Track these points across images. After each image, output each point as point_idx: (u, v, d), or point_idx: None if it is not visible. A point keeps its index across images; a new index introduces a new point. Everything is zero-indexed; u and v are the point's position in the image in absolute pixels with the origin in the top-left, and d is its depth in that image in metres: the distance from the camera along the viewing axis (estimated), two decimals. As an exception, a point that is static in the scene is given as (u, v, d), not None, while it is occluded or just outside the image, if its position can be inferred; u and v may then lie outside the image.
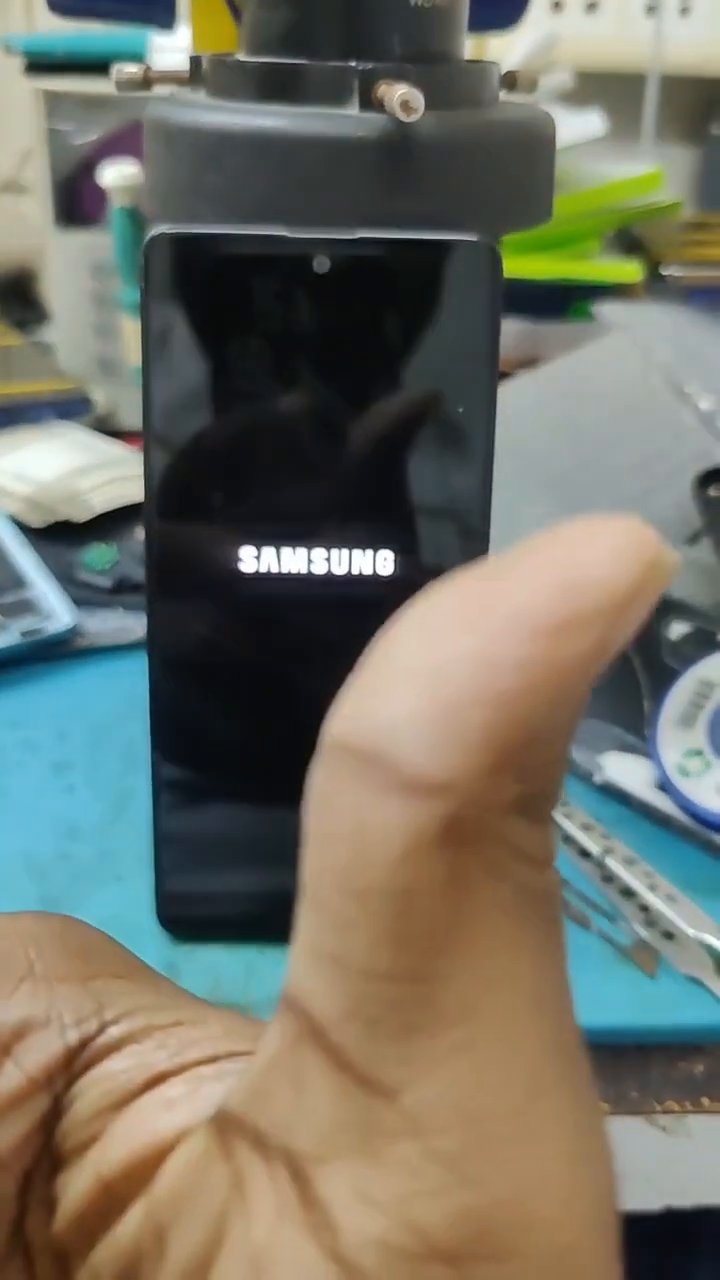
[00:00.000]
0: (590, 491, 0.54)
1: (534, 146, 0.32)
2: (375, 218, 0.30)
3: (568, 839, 0.40)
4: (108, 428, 0.70)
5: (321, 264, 0.30)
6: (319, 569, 0.32)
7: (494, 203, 0.31)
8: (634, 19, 1.00)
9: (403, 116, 0.28)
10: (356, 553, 0.32)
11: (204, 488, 0.31)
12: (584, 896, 0.37)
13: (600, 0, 1.02)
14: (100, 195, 0.69)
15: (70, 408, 0.66)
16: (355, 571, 0.32)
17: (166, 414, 0.31)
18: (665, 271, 0.72)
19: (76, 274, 0.71)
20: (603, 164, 0.76)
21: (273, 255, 0.30)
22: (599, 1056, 0.34)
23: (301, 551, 0.32)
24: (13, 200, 1.05)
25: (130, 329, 0.65)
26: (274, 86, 0.31)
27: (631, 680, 0.45)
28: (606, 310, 0.66)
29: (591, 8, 1.02)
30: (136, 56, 0.66)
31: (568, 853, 0.39)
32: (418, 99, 0.28)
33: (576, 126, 0.68)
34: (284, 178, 0.30)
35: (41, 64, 0.74)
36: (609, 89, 0.79)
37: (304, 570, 0.32)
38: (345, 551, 0.32)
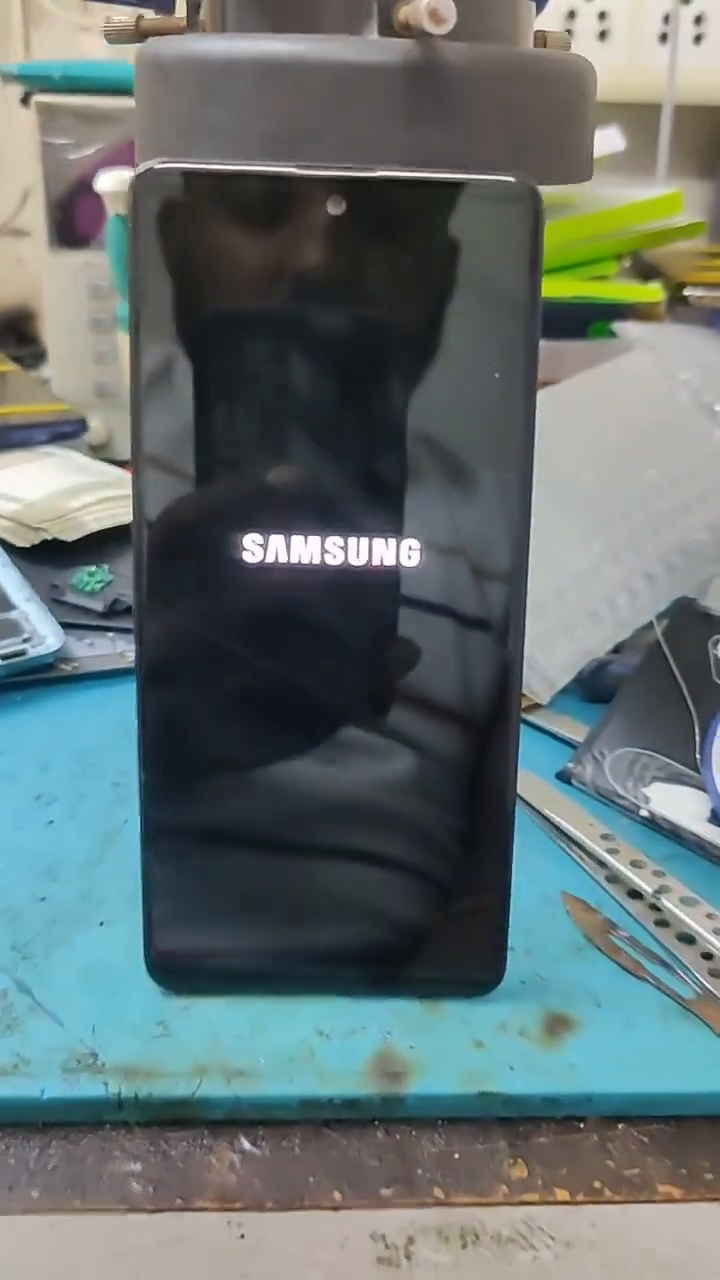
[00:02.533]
0: (621, 511, 0.50)
1: (574, 89, 0.29)
2: (397, 155, 0.27)
3: (614, 878, 0.35)
4: (104, 456, 0.67)
5: (336, 205, 0.26)
6: (334, 559, 0.28)
7: (530, 146, 0.28)
8: (647, 47, 0.98)
9: (431, 27, 0.24)
10: (377, 541, 0.28)
11: (201, 462, 0.27)
12: (636, 942, 0.33)
13: (612, 28, 1.01)
14: (98, 215, 0.66)
15: (64, 430, 0.63)
16: (376, 563, 0.28)
17: (159, 374, 0.27)
18: (688, 293, 0.69)
19: (73, 297, 0.68)
20: (620, 190, 0.73)
21: (281, 194, 0.26)
22: (662, 1130, 0.29)
23: (314, 540, 0.28)
24: (12, 243, 1.03)
25: (127, 346, 0.61)
26: (282, 13, 0.28)
27: (678, 703, 0.40)
28: (628, 329, 0.62)
29: (603, 36, 1.00)
30: (131, 84, 0.64)
31: (615, 894, 0.34)
32: (449, 8, 0.24)
33: (596, 142, 0.65)
34: (294, 109, 0.26)
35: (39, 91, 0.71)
36: (622, 119, 0.77)
37: (316, 561, 0.28)
38: (364, 539, 0.28)
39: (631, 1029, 0.30)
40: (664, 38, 0.98)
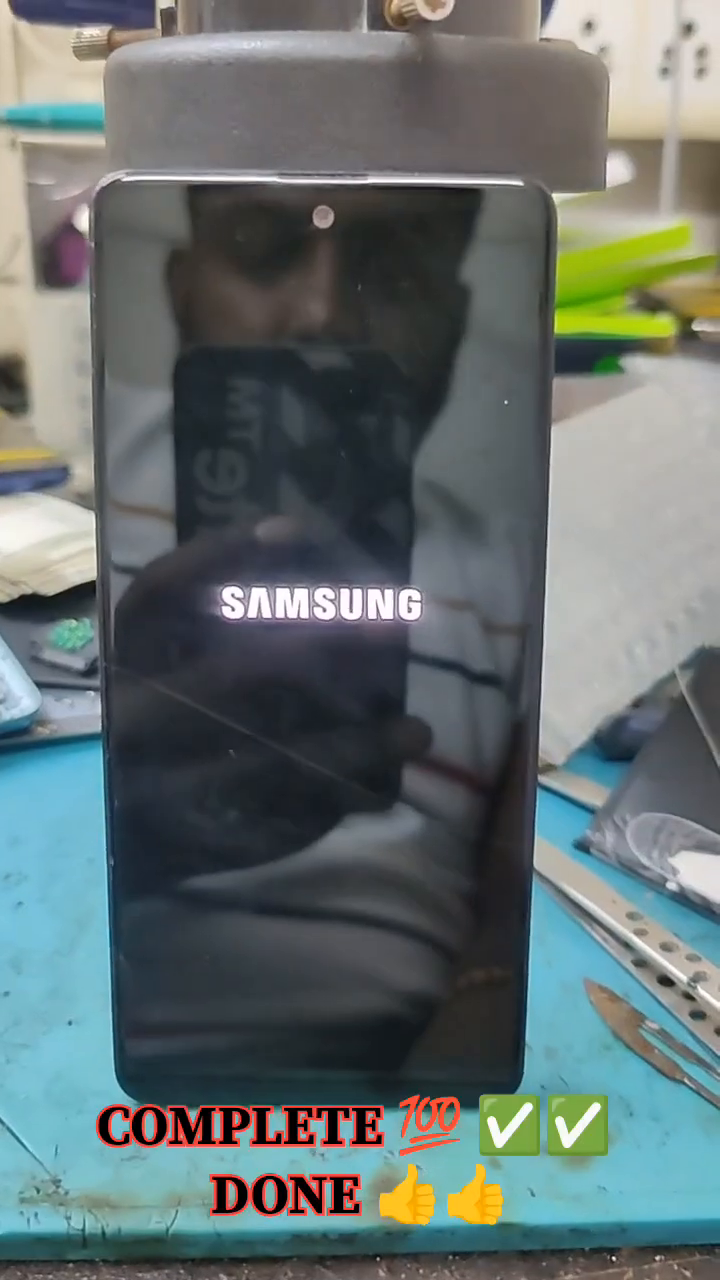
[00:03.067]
0: (639, 553, 0.47)
1: (586, 88, 0.26)
2: (390, 160, 0.24)
3: (642, 963, 0.31)
4: (90, 504, 0.64)
5: (324, 216, 0.23)
6: (324, 614, 0.25)
7: (538, 150, 0.25)
8: (649, 81, 0.97)
9: (428, 14, 0.22)
10: (373, 592, 0.25)
11: (173, 504, 0.24)
12: (669, 1037, 0.29)
13: (613, 62, 1.00)
14: (82, 256, 0.64)
15: (47, 477, 0.60)
16: (371, 616, 0.25)
17: (124, 401, 0.24)
18: (697, 327, 0.66)
19: (59, 339, 0.66)
20: (626, 224, 0.71)
21: (261, 206, 0.23)
22: (707, 1261, 0.25)
23: (301, 592, 0.25)
24: (2, 291, 1.01)
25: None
26: (263, 11, 0.25)
27: (705, 763, 0.37)
28: (638, 364, 0.60)
29: (592, 54, 0.99)
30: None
31: (644, 980, 0.31)
32: (446, -8, 0.22)
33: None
34: (276, 114, 0.24)
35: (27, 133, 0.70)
36: (625, 154, 0.75)
37: (305, 616, 0.25)
38: (358, 591, 0.25)
39: (668, 1142, 0.26)
40: (666, 71, 0.97)
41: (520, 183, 0.23)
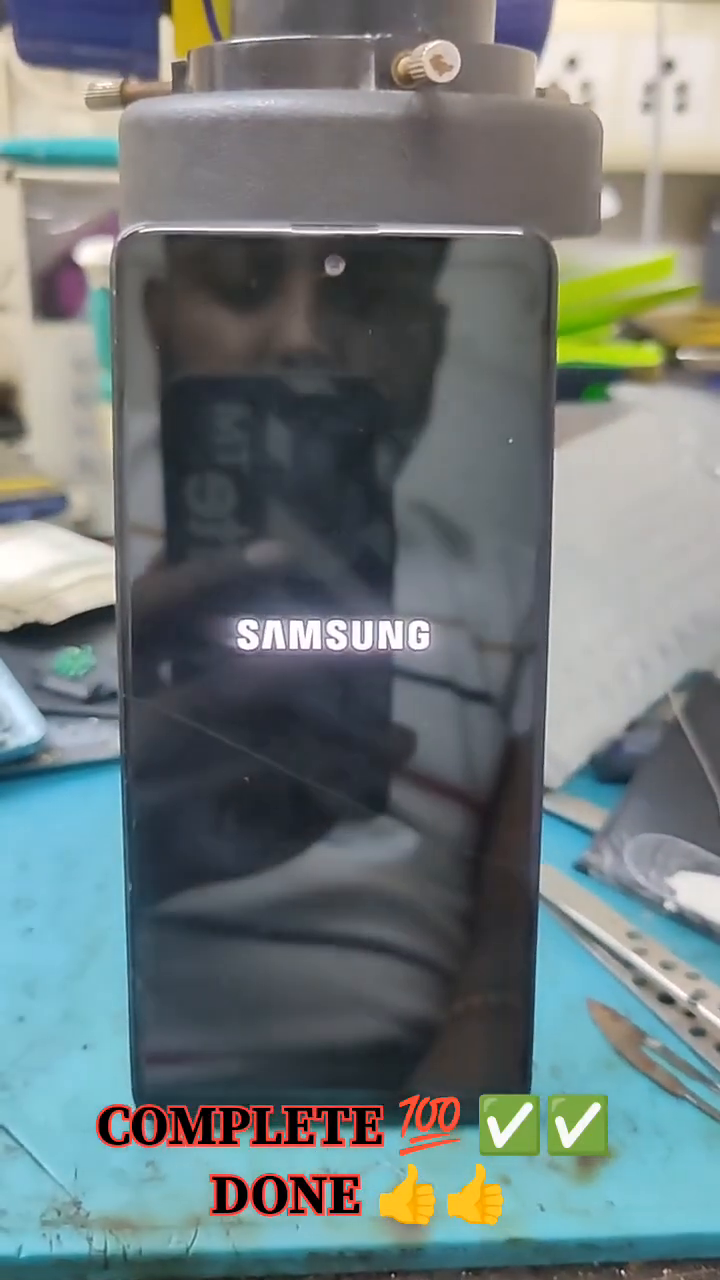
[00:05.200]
0: (629, 580, 0.48)
1: (582, 141, 0.27)
2: (398, 212, 0.25)
3: (642, 981, 0.32)
4: (87, 532, 0.65)
5: (335, 264, 0.24)
6: (336, 644, 0.26)
7: (537, 200, 0.26)
8: (630, 115, 0.99)
9: (435, 75, 0.23)
10: (383, 623, 0.26)
11: (191, 541, 0.25)
12: (671, 1054, 0.30)
13: (595, 97, 1.02)
14: (80, 288, 0.65)
15: (45, 506, 0.61)
16: (382, 646, 0.26)
17: (146, 445, 0.25)
18: (682, 356, 0.68)
19: (56, 370, 0.67)
20: (610, 255, 0.73)
21: (275, 255, 0.24)
22: (714, 1275, 0.25)
23: (314, 624, 0.26)
24: (-4, 317, 1.02)
25: (109, 419, 0.60)
26: (274, 69, 0.26)
27: (700, 784, 0.38)
28: (625, 393, 0.61)
29: (586, 106, 1.01)
30: (115, 159, 0.63)
31: (645, 999, 0.32)
32: (453, 54, 0.23)
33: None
34: (288, 168, 0.25)
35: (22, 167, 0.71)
36: (607, 187, 0.77)
37: (317, 646, 0.26)
38: (370, 623, 0.26)
39: (673, 1157, 0.27)
40: (648, 106, 0.98)
41: (521, 232, 0.24)
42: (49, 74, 0.93)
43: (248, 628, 0.25)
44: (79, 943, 0.34)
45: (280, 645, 0.25)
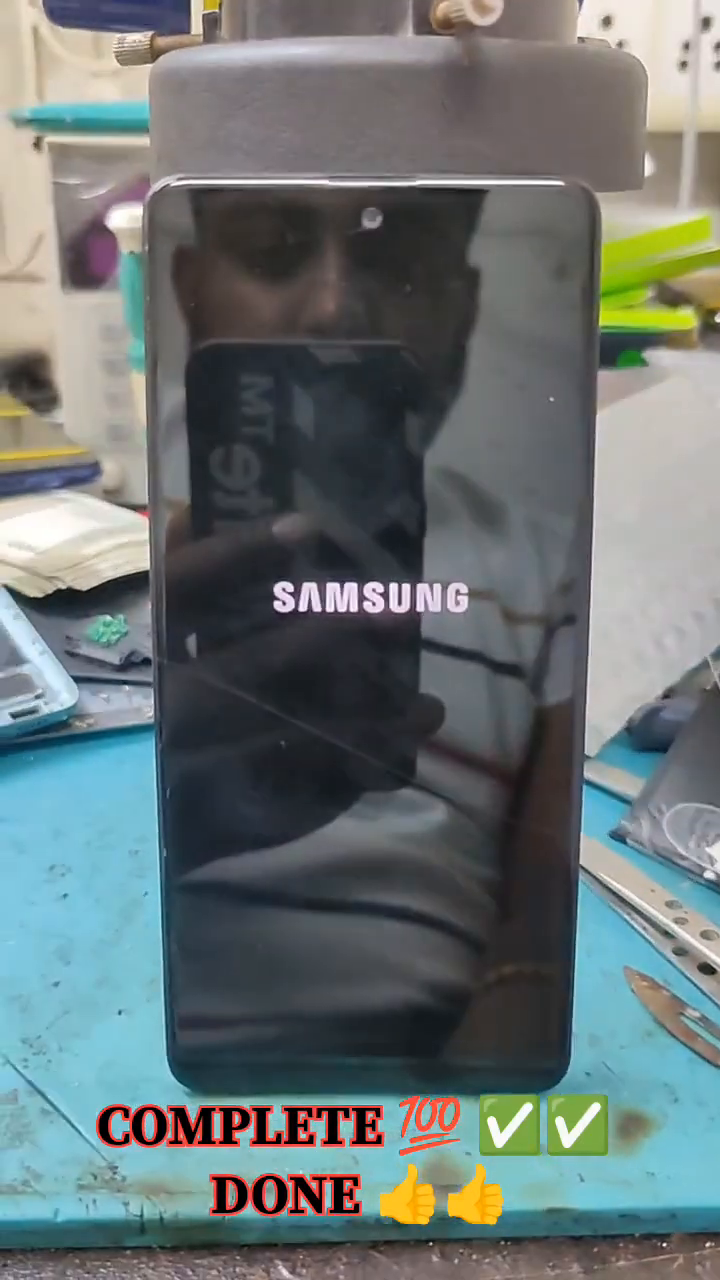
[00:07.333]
0: (665, 546, 0.47)
1: (626, 88, 0.26)
2: (437, 162, 0.24)
3: (682, 951, 0.32)
4: (119, 501, 0.65)
5: (373, 217, 0.23)
6: (374, 607, 0.25)
7: (581, 150, 0.25)
8: (667, 74, 0.97)
9: (476, 18, 0.22)
10: (421, 586, 0.25)
11: (225, 504, 0.25)
12: (710, 1023, 0.29)
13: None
14: (111, 255, 0.65)
15: (77, 474, 0.60)
16: (420, 609, 0.25)
17: (179, 411, 0.24)
18: (719, 320, 0.66)
19: (86, 337, 0.66)
20: (645, 218, 0.71)
21: (311, 208, 0.23)
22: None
23: (351, 586, 0.25)
24: (25, 288, 1.02)
25: (140, 386, 0.59)
26: (309, 17, 0.25)
27: (741, 754, 0.37)
28: (661, 357, 0.60)
29: (629, 53, 0.99)
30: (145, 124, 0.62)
31: (684, 968, 0.31)
32: (495, -4, 0.22)
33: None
34: (324, 118, 0.24)
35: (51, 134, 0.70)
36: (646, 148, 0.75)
37: (354, 609, 0.25)
38: (406, 585, 0.25)
39: (715, 1128, 0.27)
40: (684, 65, 0.96)
41: (564, 183, 0.23)
42: (77, 40, 0.92)
43: (284, 589, 0.25)
44: (113, 909, 0.34)
45: (316, 608, 0.25)
